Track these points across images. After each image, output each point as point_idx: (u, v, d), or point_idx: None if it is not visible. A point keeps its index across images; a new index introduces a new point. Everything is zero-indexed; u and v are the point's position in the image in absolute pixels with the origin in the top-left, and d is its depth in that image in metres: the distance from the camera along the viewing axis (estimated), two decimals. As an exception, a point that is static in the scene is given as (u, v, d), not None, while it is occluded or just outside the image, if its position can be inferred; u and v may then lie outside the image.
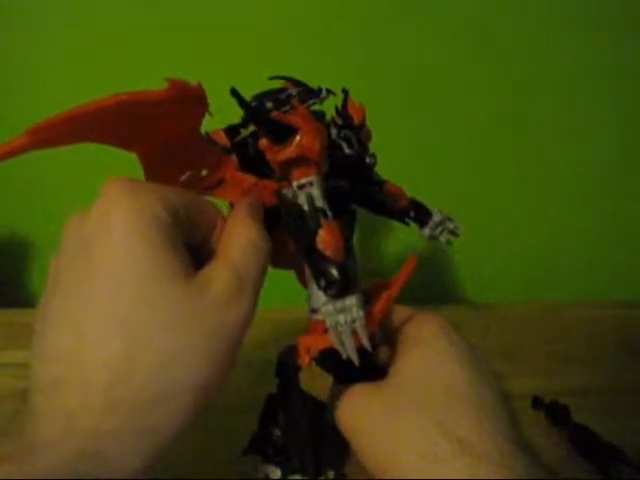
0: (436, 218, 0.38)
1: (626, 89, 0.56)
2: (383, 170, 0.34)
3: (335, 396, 0.28)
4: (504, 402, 0.26)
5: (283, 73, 0.28)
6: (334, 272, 0.24)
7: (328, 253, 0.24)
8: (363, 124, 0.30)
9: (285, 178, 0.26)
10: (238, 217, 0.24)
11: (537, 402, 0.40)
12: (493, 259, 0.61)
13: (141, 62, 0.53)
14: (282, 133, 0.25)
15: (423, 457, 0.23)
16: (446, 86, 0.55)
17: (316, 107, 0.28)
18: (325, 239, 0.24)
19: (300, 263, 0.29)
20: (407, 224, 0.38)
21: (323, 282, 0.25)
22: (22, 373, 0.42)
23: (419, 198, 0.40)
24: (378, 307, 0.27)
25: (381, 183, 0.34)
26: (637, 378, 0.44)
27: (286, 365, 0.30)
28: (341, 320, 0.25)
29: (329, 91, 0.28)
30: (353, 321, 0.25)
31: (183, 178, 0.25)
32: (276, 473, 0.31)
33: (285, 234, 0.28)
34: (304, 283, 0.29)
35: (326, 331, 0.26)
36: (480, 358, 0.28)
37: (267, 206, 0.27)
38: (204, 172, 0.26)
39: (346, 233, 0.26)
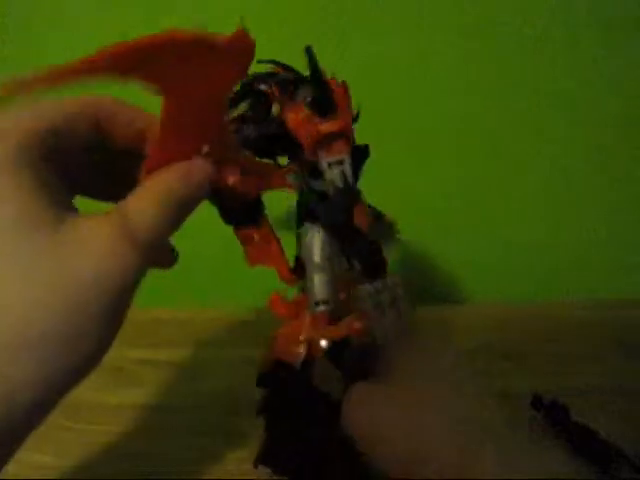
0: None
1: (628, 89, 0.56)
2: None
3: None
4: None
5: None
6: (378, 251, 0.25)
7: (365, 232, 0.24)
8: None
9: (296, 158, 0.26)
10: (165, 176, 0.22)
11: (537, 402, 0.40)
12: (493, 259, 0.61)
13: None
14: (325, 106, 0.24)
15: (456, 449, 0.22)
16: (446, 83, 0.55)
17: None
18: (360, 219, 0.25)
19: (283, 259, 0.28)
20: None
21: (367, 261, 0.24)
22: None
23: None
24: None
25: None
26: (637, 378, 0.44)
27: (282, 366, 0.28)
28: (383, 299, 0.24)
29: None
30: (393, 300, 0.25)
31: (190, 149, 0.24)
32: None
33: (269, 229, 0.27)
34: (287, 280, 0.28)
35: (330, 322, 0.26)
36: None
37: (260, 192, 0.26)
38: (205, 148, 0.24)
39: None
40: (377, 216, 0.33)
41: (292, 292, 0.31)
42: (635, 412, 0.41)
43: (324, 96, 0.24)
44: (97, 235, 0.19)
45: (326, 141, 0.25)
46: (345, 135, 0.25)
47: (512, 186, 0.59)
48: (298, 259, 0.30)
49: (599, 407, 0.41)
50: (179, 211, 0.22)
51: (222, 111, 0.23)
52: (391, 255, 0.59)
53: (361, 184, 0.28)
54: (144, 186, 0.22)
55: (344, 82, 0.25)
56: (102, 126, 0.24)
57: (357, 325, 0.28)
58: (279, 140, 0.26)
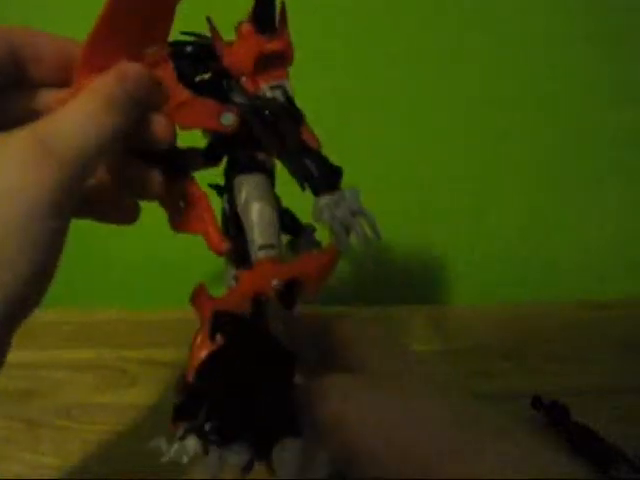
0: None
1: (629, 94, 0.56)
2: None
3: (312, 389, 0.24)
4: None
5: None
6: (331, 164, 0.23)
7: (318, 148, 0.23)
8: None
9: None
10: (93, 82, 0.21)
11: (537, 402, 0.41)
12: (493, 259, 0.61)
13: None
14: (266, 20, 0.23)
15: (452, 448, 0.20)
16: (447, 80, 0.55)
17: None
18: (310, 137, 0.24)
19: (213, 222, 0.25)
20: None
21: (323, 175, 0.23)
22: (22, 373, 0.43)
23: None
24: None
25: None
26: (637, 378, 0.44)
27: (227, 317, 0.24)
28: (340, 213, 0.22)
29: None
30: (353, 213, 0.23)
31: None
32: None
33: (197, 188, 0.25)
34: (218, 245, 0.25)
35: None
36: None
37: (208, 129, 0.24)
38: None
39: None
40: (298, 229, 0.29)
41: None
42: (635, 412, 0.41)
43: (266, 8, 0.23)
44: (8, 147, 0.19)
45: (266, 64, 0.24)
46: (285, 59, 0.24)
47: (513, 187, 0.59)
48: (227, 220, 0.27)
49: (599, 407, 0.41)
50: (110, 113, 0.20)
51: (171, 17, 0.22)
52: (392, 256, 0.60)
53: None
54: (67, 92, 0.21)
55: (282, 3, 0.24)
56: (19, 58, 0.22)
57: (312, 264, 0.25)
58: (213, 85, 0.24)
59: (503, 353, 0.48)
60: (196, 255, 0.45)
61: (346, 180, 0.24)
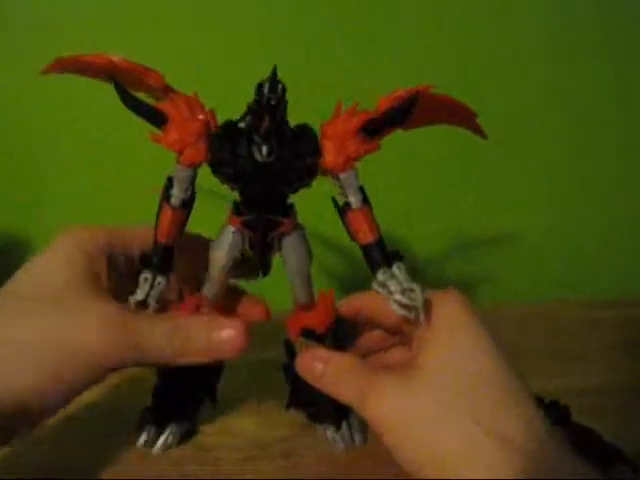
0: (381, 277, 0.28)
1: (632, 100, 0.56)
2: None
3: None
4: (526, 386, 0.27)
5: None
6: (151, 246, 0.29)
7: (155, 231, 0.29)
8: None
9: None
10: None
11: (538, 402, 0.40)
12: (494, 259, 0.61)
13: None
14: (158, 120, 0.27)
15: (462, 455, 0.23)
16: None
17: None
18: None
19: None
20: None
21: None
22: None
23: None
24: None
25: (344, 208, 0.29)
26: (637, 378, 0.45)
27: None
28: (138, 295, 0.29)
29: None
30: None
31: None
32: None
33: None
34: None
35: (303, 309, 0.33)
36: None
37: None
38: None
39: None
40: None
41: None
42: (635, 412, 0.41)
43: (147, 116, 0.27)
44: (91, 312, 0.28)
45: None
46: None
47: (515, 185, 0.59)
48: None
49: (599, 407, 0.41)
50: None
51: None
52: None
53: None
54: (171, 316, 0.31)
55: None
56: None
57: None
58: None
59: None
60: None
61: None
